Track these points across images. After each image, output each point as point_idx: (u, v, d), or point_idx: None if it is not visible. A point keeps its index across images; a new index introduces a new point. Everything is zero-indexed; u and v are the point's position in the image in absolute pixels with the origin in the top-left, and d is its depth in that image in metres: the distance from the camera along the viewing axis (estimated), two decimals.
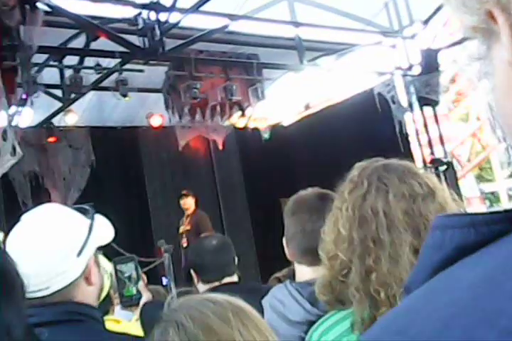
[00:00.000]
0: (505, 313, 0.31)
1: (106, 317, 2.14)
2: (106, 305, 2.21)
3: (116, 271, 2.25)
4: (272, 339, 1.21)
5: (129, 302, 2.23)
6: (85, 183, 8.74)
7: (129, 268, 2.25)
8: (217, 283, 2.40)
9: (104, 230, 1.63)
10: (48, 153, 8.57)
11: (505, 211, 0.37)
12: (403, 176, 1.37)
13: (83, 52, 6.64)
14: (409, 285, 0.40)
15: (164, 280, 7.49)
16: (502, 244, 0.36)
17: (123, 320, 2.24)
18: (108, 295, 2.24)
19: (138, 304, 2.29)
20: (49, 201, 8.40)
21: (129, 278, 2.25)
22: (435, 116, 8.26)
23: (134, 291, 2.25)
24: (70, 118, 8.02)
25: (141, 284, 2.30)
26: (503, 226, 0.36)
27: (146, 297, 2.34)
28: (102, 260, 2.24)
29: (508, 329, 0.30)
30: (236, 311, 1.20)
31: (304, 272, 1.78)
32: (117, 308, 2.39)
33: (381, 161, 1.45)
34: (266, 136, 9.60)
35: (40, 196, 8.30)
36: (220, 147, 9.26)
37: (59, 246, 1.48)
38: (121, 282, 2.22)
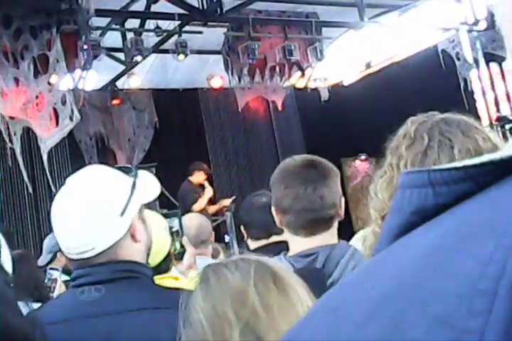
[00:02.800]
0: (442, 296, 0.27)
1: (165, 275, 2.22)
2: (167, 263, 2.23)
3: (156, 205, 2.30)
4: (302, 308, 1.13)
5: (174, 257, 2.31)
6: (149, 144, 8.93)
7: (175, 224, 2.31)
8: (264, 241, 2.42)
9: (148, 187, 1.62)
10: (112, 115, 8.78)
11: (466, 167, 0.31)
12: (466, 130, 1.31)
13: (144, 15, 6.70)
14: (375, 253, 0.36)
15: (226, 238, 7.67)
16: (459, 209, 0.31)
17: (181, 277, 2.30)
18: (169, 253, 2.26)
19: (182, 258, 2.35)
20: (115, 162, 8.64)
21: (176, 232, 2.31)
22: (502, 72, 7.97)
23: (178, 246, 2.32)
24: (133, 81, 8.16)
25: (184, 239, 2.36)
26: (466, 185, 0.31)
27: (189, 252, 2.39)
28: (162, 219, 2.30)
29: (440, 317, 0.26)
30: (260, 269, 1.16)
31: (299, 243, 1.75)
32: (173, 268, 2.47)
33: (438, 115, 1.37)
34: (326, 96, 9.51)
35: (106, 157, 8.55)
36: (280, 108, 9.24)
37: (101, 207, 1.49)
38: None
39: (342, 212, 1.80)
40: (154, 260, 2.16)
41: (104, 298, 1.46)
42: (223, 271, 1.16)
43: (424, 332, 0.26)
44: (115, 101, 8.53)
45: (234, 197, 7.93)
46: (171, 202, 7.12)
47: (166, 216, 2.32)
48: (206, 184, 7.66)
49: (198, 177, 7.66)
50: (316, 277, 1.63)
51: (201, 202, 7.38)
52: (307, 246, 1.73)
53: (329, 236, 1.77)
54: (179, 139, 9.05)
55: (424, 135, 1.31)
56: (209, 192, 7.55)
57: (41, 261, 3.60)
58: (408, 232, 0.33)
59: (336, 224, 1.79)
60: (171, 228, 2.30)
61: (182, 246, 2.34)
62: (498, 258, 0.26)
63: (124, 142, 8.93)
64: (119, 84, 8.31)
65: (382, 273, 0.32)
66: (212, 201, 8.17)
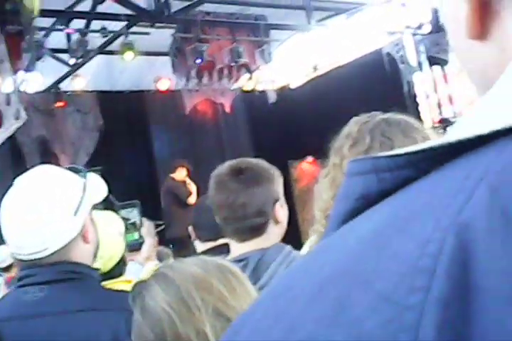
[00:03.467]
0: (384, 275, 0.28)
1: (117, 279, 2.20)
2: (120, 268, 2.25)
3: (120, 217, 2.31)
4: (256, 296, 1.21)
5: (132, 247, 2.31)
6: (94, 147, 8.76)
7: (133, 215, 2.33)
8: (212, 243, 2.42)
9: (97, 188, 1.64)
10: (56, 118, 8.55)
11: (408, 153, 0.32)
12: (406, 130, 1.34)
13: (89, 16, 6.56)
14: (321, 240, 0.37)
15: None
16: (400, 194, 0.32)
17: (133, 280, 2.28)
18: (123, 257, 2.27)
19: (140, 248, 2.36)
20: (58, 166, 8.41)
21: (133, 224, 2.32)
22: (444, 75, 8.17)
23: (137, 236, 2.33)
24: (78, 83, 7.97)
25: (144, 230, 2.37)
26: (407, 171, 0.32)
27: (148, 242, 2.40)
28: (117, 222, 2.29)
29: (383, 294, 0.28)
30: (218, 265, 1.21)
31: (235, 247, 1.77)
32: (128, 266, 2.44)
33: (380, 115, 1.41)
34: (273, 98, 9.54)
35: (48, 161, 8.33)
36: (228, 110, 9.22)
37: (55, 207, 1.49)
38: (125, 228, 2.29)
39: (279, 216, 1.77)
40: (107, 265, 2.15)
41: (47, 299, 1.46)
42: (180, 266, 1.20)
43: (367, 308, 0.28)
44: (59, 104, 8.31)
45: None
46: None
47: (124, 207, 2.34)
48: (188, 180, 7.82)
49: (181, 173, 7.82)
50: None
51: (194, 196, 7.55)
52: (241, 250, 1.74)
53: (262, 241, 1.75)
54: (125, 142, 8.91)
55: (366, 135, 1.34)
56: (194, 187, 7.71)
57: None
58: (353, 218, 0.34)
59: (270, 229, 1.77)
60: (127, 220, 2.32)
61: (141, 236, 2.35)
62: (436, 238, 0.28)
63: (68, 145, 8.73)
64: (63, 86, 8.10)
65: (327, 256, 0.33)
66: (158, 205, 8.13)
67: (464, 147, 0.31)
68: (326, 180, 1.38)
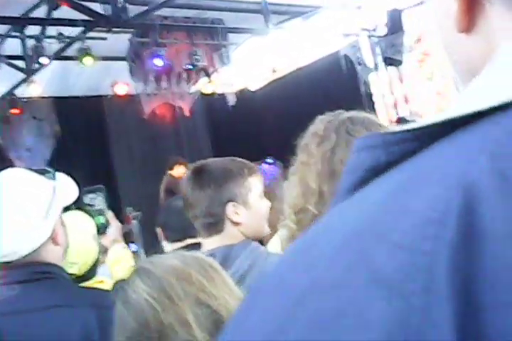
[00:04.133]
0: (399, 227, 0.32)
1: (90, 281, 2.21)
2: (94, 270, 2.27)
3: (84, 204, 2.33)
4: (236, 290, 1.25)
5: (98, 231, 2.33)
6: (51, 154, 8.62)
7: (99, 202, 2.34)
8: (180, 243, 2.45)
9: (68, 189, 1.64)
10: (11, 125, 8.36)
11: (413, 129, 0.36)
12: (370, 127, 1.39)
13: (45, 22, 6.43)
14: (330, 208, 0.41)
15: (133, 247, 7.53)
16: (408, 163, 0.36)
17: (106, 280, 2.28)
18: (97, 260, 2.29)
19: (105, 232, 2.38)
20: None
21: (100, 210, 2.34)
22: (400, 76, 8.32)
23: (103, 220, 2.35)
24: (34, 89, 7.81)
25: (109, 213, 2.38)
26: (413, 144, 0.36)
27: (114, 225, 2.41)
28: (89, 226, 2.30)
29: (399, 243, 0.31)
30: (196, 258, 1.26)
31: (203, 244, 1.83)
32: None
33: (344, 114, 1.45)
34: (232, 101, 9.53)
35: (4, 168, 8.14)
36: (187, 114, 9.18)
37: (26, 210, 1.49)
38: (91, 212, 2.31)
39: (233, 217, 1.80)
40: (82, 269, 2.15)
41: (19, 297, 1.47)
42: (159, 260, 1.24)
43: (386, 256, 0.31)
44: (14, 111, 8.11)
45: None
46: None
47: (90, 192, 2.36)
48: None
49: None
50: None
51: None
52: (210, 246, 1.78)
53: (226, 237, 1.79)
54: (82, 148, 8.78)
55: (332, 134, 1.38)
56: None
57: None
58: (362, 187, 0.38)
59: (229, 229, 1.80)
60: (92, 206, 2.34)
61: (106, 220, 2.38)
62: (445, 196, 0.31)
63: (24, 153, 8.56)
64: (19, 92, 7.93)
65: (346, 216, 0.36)
66: (120, 210, 8.02)
67: (462, 121, 0.35)
68: (294, 177, 1.40)
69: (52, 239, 1.54)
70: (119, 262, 2.34)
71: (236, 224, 1.80)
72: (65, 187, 1.62)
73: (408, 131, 0.36)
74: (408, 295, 0.30)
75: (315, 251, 0.36)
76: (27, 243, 1.49)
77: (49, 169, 1.65)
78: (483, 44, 0.41)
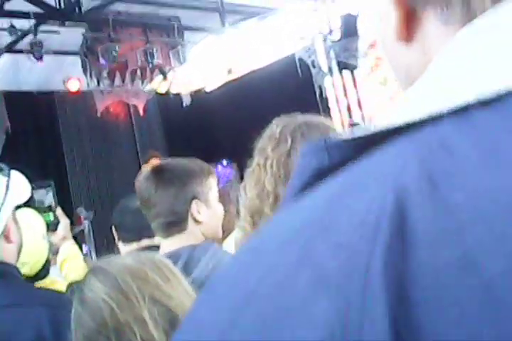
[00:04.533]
0: (339, 227, 0.34)
1: (42, 281, 2.16)
2: (46, 270, 2.24)
3: (34, 200, 2.29)
4: (191, 291, 1.27)
5: (48, 228, 2.29)
6: (0, 149, 8.43)
7: (48, 198, 2.30)
8: (135, 245, 2.42)
9: (21, 187, 1.62)
10: None
11: (353, 139, 0.39)
12: (325, 132, 1.44)
13: None
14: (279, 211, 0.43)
15: (84, 248, 7.39)
16: (349, 167, 0.39)
17: (58, 280, 2.25)
18: (47, 260, 2.25)
19: (56, 229, 2.35)
20: None
21: (49, 207, 2.30)
22: (354, 80, 8.42)
23: (52, 217, 2.32)
24: None
25: (58, 211, 2.35)
26: (354, 150, 0.39)
27: (64, 223, 2.38)
28: (39, 225, 2.24)
29: (339, 242, 0.34)
30: (152, 259, 1.29)
31: (163, 244, 1.85)
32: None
33: (300, 117, 1.49)
34: (187, 101, 9.51)
35: None
36: (141, 112, 9.11)
37: None
38: (40, 210, 2.27)
39: (196, 215, 1.83)
40: (33, 269, 2.12)
41: None
42: (114, 260, 1.27)
43: (328, 254, 0.33)
44: None
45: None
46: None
47: (39, 187, 2.32)
48: None
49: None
50: None
51: None
52: (171, 247, 1.79)
53: (186, 238, 1.82)
54: (33, 145, 8.63)
55: (288, 137, 1.42)
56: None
57: None
58: (307, 190, 0.40)
59: (192, 228, 1.83)
60: (42, 202, 2.31)
61: (56, 217, 2.35)
62: (380, 197, 0.34)
63: None
64: None
65: (292, 215, 0.39)
66: (71, 209, 7.89)
67: (397, 131, 0.38)
68: (250, 179, 1.43)
69: (5, 236, 1.52)
70: (69, 260, 2.32)
71: (198, 222, 1.83)
72: (19, 185, 1.60)
73: (349, 140, 0.40)
74: (347, 293, 0.32)
75: (261, 250, 0.38)
76: None
77: (3, 166, 1.61)
78: (420, 53, 0.44)
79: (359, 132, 0.39)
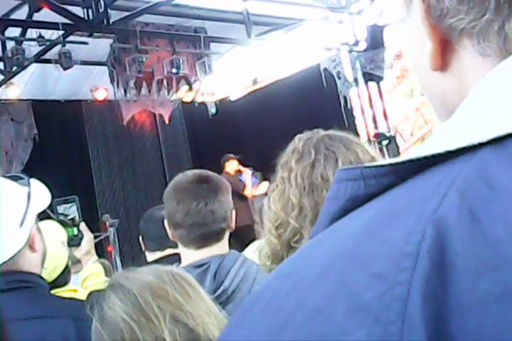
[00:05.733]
0: (377, 258, 0.35)
1: (64, 288, 2.19)
2: (65, 277, 2.24)
3: (57, 213, 2.30)
4: (213, 307, 1.25)
5: (70, 243, 2.30)
6: (28, 157, 8.56)
7: (72, 211, 2.31)
8: (159, 253, 2.45)
9: (41, 196, 1.63)
10: None
11: (390, 164, 0.39)
12: (348, 144, 1.43)
13: (26, 24, 6.42)
14: (312, 235, 0.43)
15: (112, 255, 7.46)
16: (385, 196, 0.39)
17: (79, 289, 2.27)
18: (67, 266, 2.25)
19: (79, 244, 2.35)
20: None
21: (72, 220, 2.31)
22: (379, 91, 8.39)
23: (76, 232, 2.32)
24: (12, 92, 7.78)
25: (82, 225, 2.36)
26: (390, 178, 0.39)
27: (87, 237, 2.40)
28: (59, 231, 2.27)
29: (377, 273, 0.34)
30: (171, 272, 1.26)
31: (190, 255, 1.83)
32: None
33: (322, 132, 1.49)
34: (213, 110, 9.55)
35: None
36: (167, 121, 9.17)
37: (0, 218, 1.47)
38: (64, 224, 2.28)
39: (233, 224, 1.88)
40: (51, 275, 2.14)
41: None
42: (135, 276, 1.23)
43: (365, 285, 0.34)
44: None
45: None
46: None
47: (62, 202, 2.33)
48: (242, 168, 8.01)
49: (232, 166, 7.96)
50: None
51: (249, 188, 7.87)
52: (198, 257, 1.79)
53: (220, 248, 1.83)
54: (60, 153, 8.74)
55: (311, 149, 1.42)
56: (248, 173, 7.96)
57: None
58: (341, 217, 0.41)
59: (226, 236, 1.86)
60: (66, 216, 2.31)
61: (80, 232, 2.35)
62: (418, 230, 0.34)
63: (2, 155, 8.50)
64: None
65: (327, 245, 0.39)
66: (97, 216, 7.97)
67: (435, 159, 0.38)
68: (274, 193, 1.43)
69: (30, 246, 1.53)
70: (92, 277, 2.35)
71: (231, 230, 1.88)
72: (39, 193, 1.61)
73: (384, 165, 0.40)
74: (385, 322, 0.32)
75: (297, 277, 0.38)
76: (3, 251, 1.47)
77: (23, 175, 1.63)
78: (456, 81, 0.45)
79: (395, 160, 0.39)
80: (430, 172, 0.38)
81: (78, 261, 2.48)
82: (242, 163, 8.15)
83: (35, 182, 1.63)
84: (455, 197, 0.35)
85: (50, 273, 2.14)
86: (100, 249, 6.78)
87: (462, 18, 0.42)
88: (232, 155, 8.05)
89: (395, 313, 0.32)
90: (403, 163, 0.39)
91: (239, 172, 8.05)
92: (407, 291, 0.33)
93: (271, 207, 1.43)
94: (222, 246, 1.84)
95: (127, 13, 6.48)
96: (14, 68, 6.71)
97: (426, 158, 0.38)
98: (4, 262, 1.47)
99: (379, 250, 0.35)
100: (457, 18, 0.42)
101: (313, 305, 0.35)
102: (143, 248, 2.58)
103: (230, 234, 1.91)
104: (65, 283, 2.23)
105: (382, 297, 0.33)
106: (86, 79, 8.25)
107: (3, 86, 7.55)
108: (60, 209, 2.34)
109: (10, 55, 6.49)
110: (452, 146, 0.37)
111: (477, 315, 0.31)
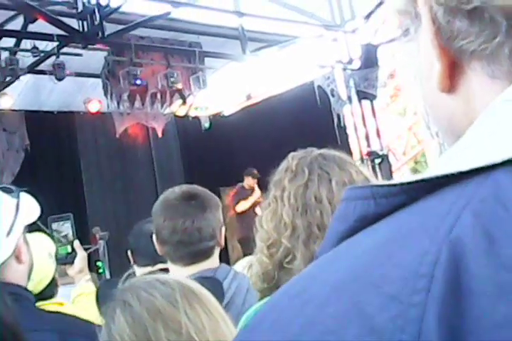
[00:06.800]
0: (391, 280, 0.34)
1: (49, 301, 2.16)
2: (52, 289, 2.22)
3: (52, 230, 2.28)
4: (224, 324, 1.19)
5: (64, 261, 2.29)
6: (19, 168, 8.53)
7: (65, 228, 2.30)
8: (150, 268, 2.40)
9: (30, 208, 1.62)
10: None
11: (401, 184, 0.39)
12: (342, 164, 1.41)
13: (20, 35, 6.43)
14: (318, 255, 0.42)
15: (100, 265, 7.40)
16: (396, 216, 0.38)
17: (65, 302, 2.24)
18: (54, 279, 2.23)
19: (72, 262, 2.34)
20: None
21: (65, 236, 2.29)
22: (373, 109, 8.42)
23: (69, 249, 2.30)
24: (5, 102, 7.78)
25: (76, 243, 2.34)
26: (401, 198, 0.39)
27: (81, 255, 2.38)
28: (47, 243, 2.25)
29: (391, 295, 0.33)
30: (185, 293, 1.19)
31: (178, 271, 1.81)
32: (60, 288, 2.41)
33: (316, 151, 1.47)
34: (206, 125, 9.56)
35: None
36: (160, 135, 9.17)
37: None
38: (57, 241, 2.26)
39: (222, 241, 1.86)
40: (38, 287, 2.12)
41: None
42: (146, 297, 1.16)
43: (378, 307, 0.33)
44: None
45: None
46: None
47: (57, 220, 2.32)
48: (256, 187, 8.15)
49: (248, 182, 8.18)
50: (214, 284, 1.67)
51: (244, 204, 8.05)
52: (186, 273, 1.76)
53: (209, 264, 1.82)
54: (51, 164, 8.72)
55: (305, 169, 1.40)
56: (256, 194, 8.06)
57: None
58: (350, 236, 0.40)
59: (216, 253, 1.85)
60: (60, 232, 2.29)
61: (73, 249, 2.33)
62: (433, 250, 0.34)
63: None
64: None
65: (337, 265, 0.38)
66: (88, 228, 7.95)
67: (446, 180, 0.38)
68: (267, 212, 1.41)
69: (16, 257, 1.52)
70: (84, 295, 2.33)
71: (220, 247, 1.86)
72: (28, 205, 1.61)
73: (395, 185, 0.39)
74: None
75: (306, 296, 0.37)
76: None
77: (12, 187, 1.62)
78: (463, 104, 0.44)
79: (406, 179, 0.39)
80: (442, 192, 0.38)
81: (66, 274, 2.46)
82: (259, 181, 8.20)
83: (24, 195, 1.62)
84: (470, 218, 0.34)
85: (36, 286, 2.12)
86: (90, 262, 6.71)
87: (473, 41, 0.41)
88: (255, 171, 8.13)
89: (410, 336, 0.32)
90: (415, 182, 0.38)
91: (252, 189, 8.20)
92: (422, 313, 0.32)
93: (263, 225, 1.41)
94: (211, 262, 1.83)
95: (122, 26, 6.50)
96: (8, 78, 6.72)
97: (438, 178, 0.38)
98: None
99: (392, 271, 0.34)
100: (468, 40, 0.42)
101: (323, 326, 0.35)
102: (131, 262, 2.55)
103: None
104: (51, 296, 2.21)
105: (395, 319, 0.32)
106: (79, 91, 8.26)
107: None
108: (54, 225, 2.33)
109: (4, 65, 6.49)
110: (465, 167, 0.37)
111: (496, 339, 0.30)
